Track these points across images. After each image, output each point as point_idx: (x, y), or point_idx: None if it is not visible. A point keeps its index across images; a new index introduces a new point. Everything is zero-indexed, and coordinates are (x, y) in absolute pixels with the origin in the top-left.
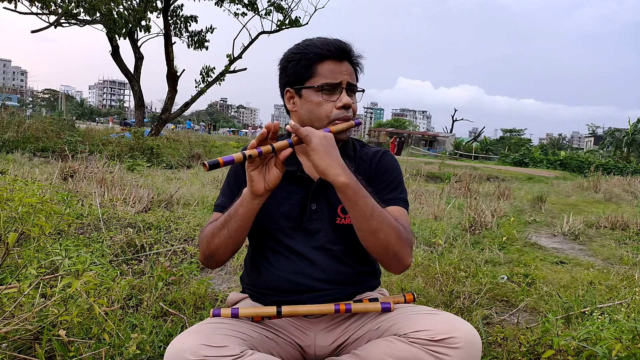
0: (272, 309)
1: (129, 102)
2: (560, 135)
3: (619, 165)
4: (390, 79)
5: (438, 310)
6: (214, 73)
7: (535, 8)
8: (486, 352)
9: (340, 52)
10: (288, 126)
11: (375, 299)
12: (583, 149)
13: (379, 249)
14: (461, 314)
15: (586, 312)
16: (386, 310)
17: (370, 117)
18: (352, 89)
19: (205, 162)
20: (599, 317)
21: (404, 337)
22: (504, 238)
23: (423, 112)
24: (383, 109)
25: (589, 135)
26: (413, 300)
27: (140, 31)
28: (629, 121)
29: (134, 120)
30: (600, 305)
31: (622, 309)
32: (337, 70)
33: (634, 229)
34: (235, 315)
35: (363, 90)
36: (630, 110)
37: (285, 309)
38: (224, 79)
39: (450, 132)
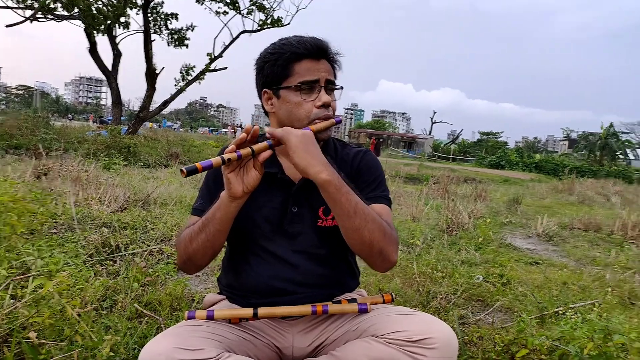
0: (248, 311)
1: (106, 99)
2: (535, 138)
3: (593, 168)
4: (373, 81)
5: (415, 311)
6: (194, 71)
7: (516, 14)
8: (462, 351)
9: (317, 50)
10: (266, 127)
11: (354, 300)
12: (558, 152)
13: (364, 247)
14: (438, 314)
15: (560, 312)
16: (363, 311)
17: (351, 118)
18: (331, 87)
19: (183, 168)
20: (572, 316)
21: (382, 337)
22: (480, 239)
23: (403, 113)
24: (363, 110)
25: (564, 139)
26: (391, 301)
27: (119, 28)
28: (602, 126)
29: (110, 118)
30: (573, 305)
31: (595, 309)
32: (314, 69)
33: (606, 231)
34: (211, 317)
35: (342, 88)
36: (605, 115)
37: (262, 310)
38: (204, 78)
39: (429, 134)
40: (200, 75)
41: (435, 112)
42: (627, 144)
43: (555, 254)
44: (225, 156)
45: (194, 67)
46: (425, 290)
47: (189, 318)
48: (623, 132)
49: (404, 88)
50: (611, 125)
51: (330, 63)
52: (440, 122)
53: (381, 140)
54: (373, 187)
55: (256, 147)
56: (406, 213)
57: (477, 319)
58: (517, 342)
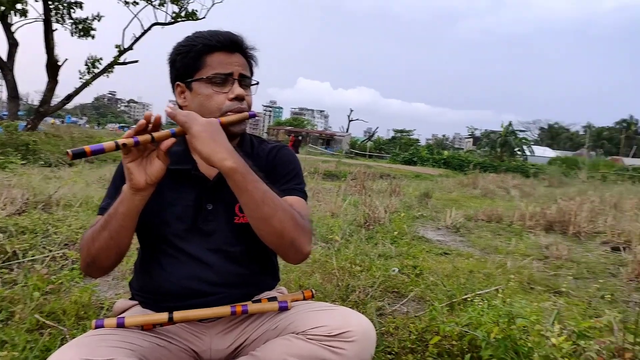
0: (163, 315)
1: (1, 92)
2: (444, 136)
3: (494, 163)
4: (291, 79)
5: (335, 306)
6: (101, 64)
7: (424, 17)
8: (379, 342)
9: (230, 43)
10: (166, 108)
11: (274, 298)
12: (464, 148)
13: (274, 237)
14: (357, 307)
15: (467, 298)
16: (283, 309)
17: (269, 116)
18: (245, 82)
19: (69, 150)
20: (480, 303)
21: (302, 334)
22: (396, 232)
23: (321, 111)
24: (282, 108)
25: (469, 136)
26: (312, 297)
27: (15, 15)
28: (502, 124)
29: (6, 113)
30: (480, 292)
31: (499, 295)
32: (227, 62)
33: (507, 221)
34: (121, 325)
35: (258, 83)
36: (504, 115)
37: (177, 314)
38: (112, 71)
39: (347, 131)
40: (108, 68)
41: (352, 110)
42: (523, 141)
43: (462, 244)
44: (120, 141)
45: (100, 59)
46: (344, 285)
47: (97, 327)
48: (520, 130)
49: (321, 86)
50: (510, 124)
51: (245, 58)
52: (357, 120)
53: (300, 137)
54: (287, 179)
55: (157, 134)
56: (325, 209)
57: (393, 309)
58: (430, 330)
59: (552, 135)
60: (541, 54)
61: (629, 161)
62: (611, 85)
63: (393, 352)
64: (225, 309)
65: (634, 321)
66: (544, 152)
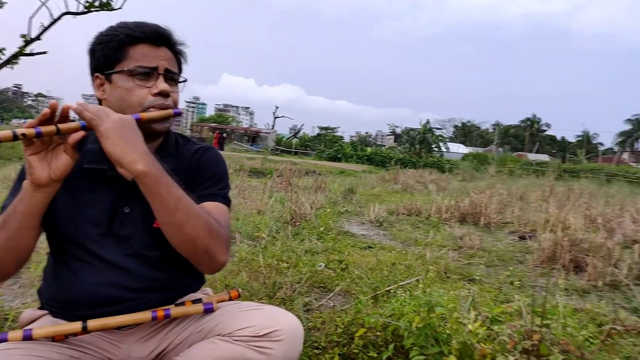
0: (76, 325)
1: None
2: (367, 133)
3: (413, 159)
4: (215, 75)
5: (262, 305)
6: (4, 54)
7: (345, 17)
8: (307, 338)
9: (156, 35)
10: (74, 104)
11: (199, 300)
12: (385, 145)
13: (186, 245)
14: (284, 304)
15: (390, 290)
16: (209, 310)
17: (193, 112)
18: (172, 77)
19: None
20: (402, 294)
21: (228, 336)
22: (322, 228)
23: (246, 108)
24: (206, 104)
25: (390, 133)
26: (238, 297)
27: None
28: (420, 122)
29: None
30: (402, 283)
31: (419, 285)
32: (152, 55)
33: (425, 215)
34: (28, 337)
35: (186, 80)
36: (422, 113)
37: (92, 322)
38: (17, 62)
39: (272, 128)
40: (12, 59)
41: (277, 107)
42: (440, 138)
43: (385, 238)
44: (19, 131)
45: (3, 49)
46: (271, 282)
47: (0, 341)
48: (437, 128)
49: (246, 83)
50: (428, 122)
51: (173, 53)
52: (282, 117)
53: (225, 134)
54: (210, 183)
55: (63, 126)
56: (251, 207)
57: (320, 304)
58: (356, 322)
59: (465, 132)
60: (455, 56)
61: (532, 156)
62: (517, 86)
63: (320, 347)
64: (145, 315)
65: (540, 305)
66: (458, 149)
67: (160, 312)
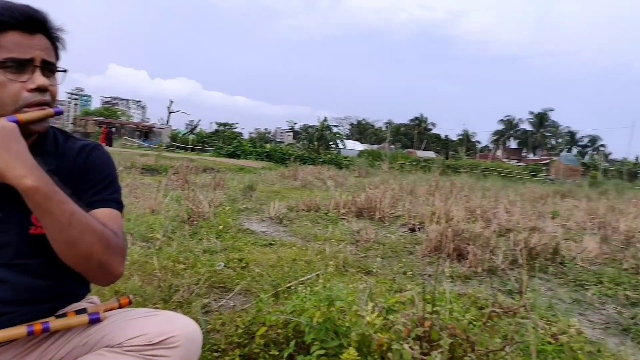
0: None
1: None
2: (266, 129)
3: (312, 156)
4: (100, 65)
5: (156, 310)
6: None
7: (241, 12)
8: (206, 341)
9: (30, 21)
10: None
11: (83, 310)
12: (285, 142)
13: (79, 261)
14: (180, 308)
15: (291, 286)
16: (95, 321)
17: (76, 105)
18: (49, 69)
19: None
20: (303, 290)
21: (118, 347)
22: (221, 226)
23: (137, 101)
24: (91, 96)
25: (289, 130)
26: (129, 304)
27: None
28: (318, 120)
29: None
30: (302, 279)
31: (320, 280)
32: (26, 44)
33: (324, 210)
34: None
35: (65, 71)
36: (320, 110)
37: None
38: None
39: (167, 123)
40: None
41: (172, 102)
42: (337, 135)
43: (285, 234)
44: None
45: None
46: (167, 285)
47: None
48: (334, 126)
49: (137, 74)
50: (325, 120)
51: (50, 39)
52: (178, 111)
53: (113, 129)
54: (100, 188)
55: None
56: (144, 206)
57: (220, 305)
58: (257, 321)
59: (361, 130)
60: (350, 56)
61: (421, 153)
62: (406, 87)
63: (220, 350)
64: (20, 330)
65: (429, 292)
66: (354, 146)
67: (37, 326)
